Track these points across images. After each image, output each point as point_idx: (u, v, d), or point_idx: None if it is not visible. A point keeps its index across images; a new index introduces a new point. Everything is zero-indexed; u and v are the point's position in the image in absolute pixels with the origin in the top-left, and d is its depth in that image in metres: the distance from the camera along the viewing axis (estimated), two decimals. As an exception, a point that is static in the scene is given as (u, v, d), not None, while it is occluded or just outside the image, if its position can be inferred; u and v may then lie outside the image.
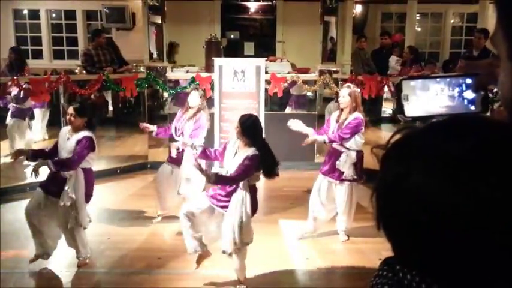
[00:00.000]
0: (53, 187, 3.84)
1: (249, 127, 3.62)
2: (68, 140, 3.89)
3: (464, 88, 0.91)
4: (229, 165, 3.62)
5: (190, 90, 4.97)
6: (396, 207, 0.64)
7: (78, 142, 3.83)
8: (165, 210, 4.88)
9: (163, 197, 4.88)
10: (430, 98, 0.91)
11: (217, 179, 3.53)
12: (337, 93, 4.45)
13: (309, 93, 7.79)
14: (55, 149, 3.98)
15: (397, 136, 0.68)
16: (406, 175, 0.62)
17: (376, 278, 0.69)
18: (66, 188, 3.80)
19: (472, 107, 0.91)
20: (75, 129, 3.89)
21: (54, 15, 11.17)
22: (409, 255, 0.65)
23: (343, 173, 4.33)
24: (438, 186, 0.59)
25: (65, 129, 4.01)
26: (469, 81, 0.91)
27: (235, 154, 3.63)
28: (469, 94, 0.91)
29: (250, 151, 3.56)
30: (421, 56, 9.47)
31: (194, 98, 4.75)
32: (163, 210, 4.90)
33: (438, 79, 0.93)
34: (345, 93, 4.30)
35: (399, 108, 0.92)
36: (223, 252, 3.58)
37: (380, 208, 0.68)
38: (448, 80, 0.92)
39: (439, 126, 0.67)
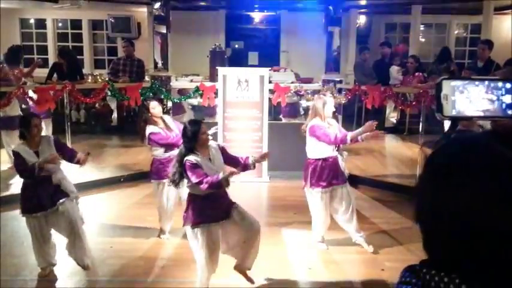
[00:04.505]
0: (47, 199, 3.83)
1: None
2: (43, 151, 3.84)
3: (503, 92, 0.93)
4: (218, 169, 3.53)
5: (148, 102, 4.77)
6: (439, 213, 0.65)
7: (57, 144, 3.96)
8: (166, 228, 4.80)
9: (170, 216, 4.75)
10: (468, 100, 0.92)
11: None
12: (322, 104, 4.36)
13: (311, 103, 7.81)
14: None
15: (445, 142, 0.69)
16: (454, 187, 0.63)
17: (399, 285, 0.70)
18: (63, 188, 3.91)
19: (510, 111, 0.92)
20: (39, 138, 3.91)
21: (60, 24, 11.30)
22: (443, 257, 0.66)
23: (343, 173, 4.37)
24: (489, 201, 0.60)
25: (22, 147, 3.85)
26: (509, 86, 0.92)
27: (209, 160, 3.55)
28: (508, 98, 0.92)
29: (212, 143, 3.68)
30: (424, 66, 9.49)
31: (160, 108, 4.73)
32: (166, 228, 4.80)
33: (477, 82, 0.94)
34: (333, 103, 4.36)
35: (438, 108, 0.93)
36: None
37: (419, 209, 0.69)
38: (487, 83, 0.94)
39: (498, 134, 0.68)
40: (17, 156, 3.83)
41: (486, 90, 0.92)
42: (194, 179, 3.39)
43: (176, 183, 3.55)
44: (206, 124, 3.91)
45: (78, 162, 3.98)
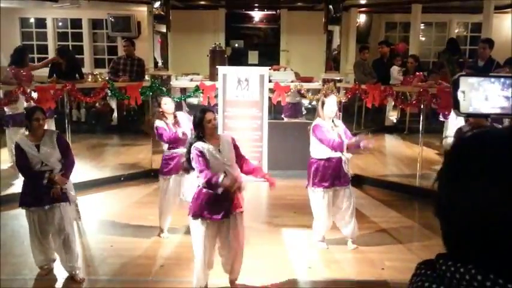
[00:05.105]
0: (46, 195, 3.81)
1: None
2: (45, 144, 3.83)
3: None
4: (226, 161, 3.52)
5: (161, 97, 4.88)
6: (461, 208, 0.65)
7: (60, 141, 3.93)
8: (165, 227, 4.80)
9: (168, 214, 4.76)
10: (485, 97, 0.92)
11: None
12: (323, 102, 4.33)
13: (314, 102, 7.80)
14: (28, 160, 3.81)
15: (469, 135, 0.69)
16: (473, 180, 0.64)
17: (414, 277, 0.70)
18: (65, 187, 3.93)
19: None
20: (42, 132, 3.89)
21: (60, 23, 11.29)
22: (460, 249, 0.66)
23: (346, 175, 4.36)
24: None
25: (24, 140, 3.86)
26: None
27: (218, 151, 3.51)
28: None
29: (225, 135, 3.69)
30: (424, 65, 9.48)
31: (172, 104, 4.74)
32: (164, 226, 4.80)
33: (493, 79, 0.94)
34: (335, 102, 4.32)
35: (455, 104, 0.92)
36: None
37: (439, 202, 0.69)
38: (503, 80, 0.93)
39: None
40: (17, 148, 3.84)
41: (502, 88, 0.91)
42: (197, 167, 3.45)
43: (187, 171, 3.63)
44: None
45: (50, 180, 3.81)
